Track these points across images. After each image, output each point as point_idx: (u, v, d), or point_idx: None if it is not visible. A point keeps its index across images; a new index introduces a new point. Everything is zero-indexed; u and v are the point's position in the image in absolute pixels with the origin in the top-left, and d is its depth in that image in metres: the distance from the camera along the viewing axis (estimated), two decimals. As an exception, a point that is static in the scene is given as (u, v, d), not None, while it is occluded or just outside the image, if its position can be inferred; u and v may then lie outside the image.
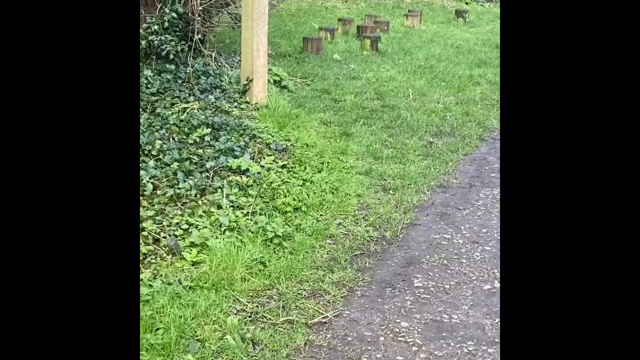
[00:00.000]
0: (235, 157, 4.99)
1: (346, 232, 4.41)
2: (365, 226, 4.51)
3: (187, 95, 6.40)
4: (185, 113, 5.84)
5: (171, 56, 7.02)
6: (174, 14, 7.06)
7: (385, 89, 7.81)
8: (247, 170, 4.82)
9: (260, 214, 4.31)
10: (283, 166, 5.18)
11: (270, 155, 5.29)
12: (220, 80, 6.91)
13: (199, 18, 7.30)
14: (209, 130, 5.45)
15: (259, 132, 5.70)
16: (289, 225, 4.33)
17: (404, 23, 13.11)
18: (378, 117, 6.82)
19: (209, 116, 5.77)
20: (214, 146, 5.23)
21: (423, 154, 5.98)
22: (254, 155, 5.16)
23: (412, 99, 7.57)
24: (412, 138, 6.32)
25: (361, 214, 4.70)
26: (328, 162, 5.39)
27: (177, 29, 7.21)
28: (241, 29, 6.70)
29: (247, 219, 4.24)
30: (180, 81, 6.79)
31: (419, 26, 13.11)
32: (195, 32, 7.26)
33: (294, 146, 5.63)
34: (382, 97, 7.57)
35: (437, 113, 7.15)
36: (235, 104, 6.45)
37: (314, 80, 8.01)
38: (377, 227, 4.52)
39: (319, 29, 10.67)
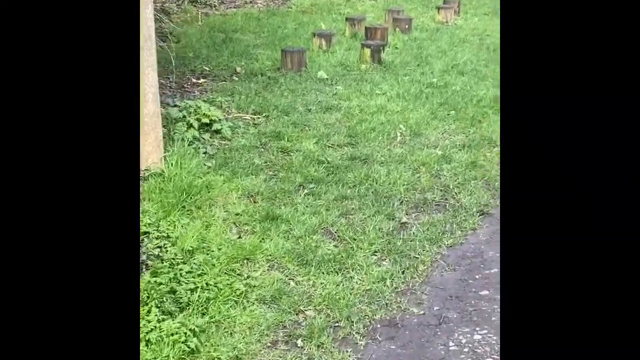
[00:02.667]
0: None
1: None
2: None
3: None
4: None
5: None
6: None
7: (364, 128, 5.77)
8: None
9: None
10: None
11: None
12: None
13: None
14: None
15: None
16: None
17: (435, 18, 10.96)
18: (337, 179, 4.81)
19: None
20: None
21: (383, 249, 3.98)
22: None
23: (398, 143, 5.52)
24: (377, 216, 4.32)
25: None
26: (212, 284, 3.43)
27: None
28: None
29: None
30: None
31: (453, 20, 10.95)
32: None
33: (166, 251, 3.69)
34: (355, 141, 5.55)
35: (428, 167, 5.09)
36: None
37: (271, 115, 6.03)
38: None
39: (313, 35, 8.64)
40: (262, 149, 5.26)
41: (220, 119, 5.50)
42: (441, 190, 4.78)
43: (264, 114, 6.00)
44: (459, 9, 11.68)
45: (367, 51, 7.83)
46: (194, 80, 7.18)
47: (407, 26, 9.90)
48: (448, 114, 6.23)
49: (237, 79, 7.28)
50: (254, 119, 5.87)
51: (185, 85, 6.99)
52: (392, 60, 8.04)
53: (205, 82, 7.15)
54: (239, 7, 12.18)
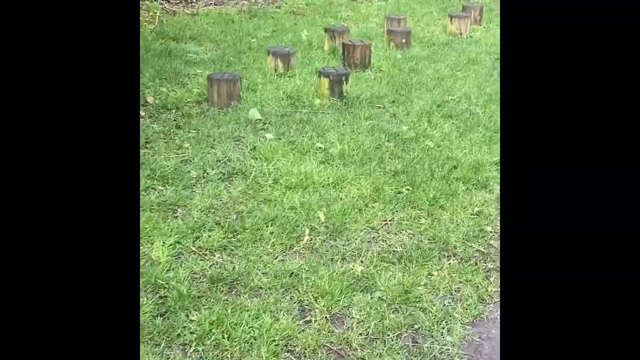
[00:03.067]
0: None
1: None
2: None
3: None
4: None
5: None
6: None
7: (260, 216, 3.91)
8: None
9: None
10: None
11: None
12: None
13: None
14: None
15: None
16: None
17: (447, 28, 9.03)
18: (164, 329, 3.00)
19: None
20: None
21: None
22: None
23: (300, 249, 3.68)
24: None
25: None
26: None
27: None
28: None
29: None
30: None
31: (469, 32, 9.00)
32: None
33: None
34: (236, 242, 3.71)
35: (327, 303, 3.29)
36: None
37: (140, 185, 4.23)
38: None
39: (267, 53, 6.79)
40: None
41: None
42: (335, 353, 2.94)
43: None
44: (481, 17, 9.71)
45: (325, 81, 5.96)
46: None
47: (404, 40, 8.00)
48: (399, 193, 4.35)
49: (143, 113, 5.50)
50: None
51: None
52: (360, 92, 6.15)
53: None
54: (220, 4, 10.41)
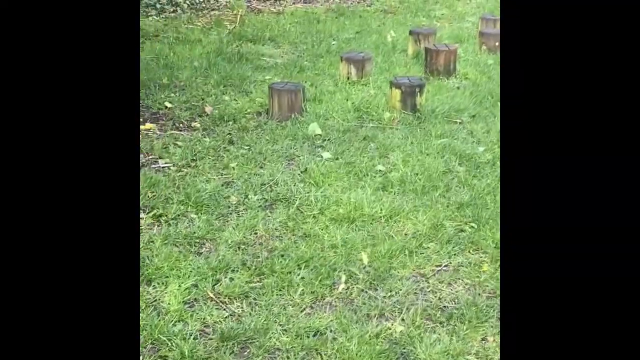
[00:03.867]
0: None
1: None
2: None
3: None
4: None
5: None
6: None
7: (293, 258, 3.45)
8: None
9: None
10: None
11: None
12: None
13: None
14: None
15: None
16: None
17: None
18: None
19: None
20: None
21: None
22: None
23: (334, 300, 3.21)
24: None
25: None
26: None
27: None
28: None
29: None
30: None
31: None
32: None
33: None
34: (260, 290, 3.24)
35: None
36: None
37: (170, 215, 3.83)
38: None
39: (340, 60, 6.32)
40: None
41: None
42: None
43: (153, 212, 3.83)
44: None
45: (397, 93, 5.43)
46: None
47: (497, 44, 7.33)
48: (461, 231, 3.80)
49: (198, 125, 5.15)
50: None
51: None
52: (437, 105, 5.59)
53: (151, 128, 5.07)
54: (309, 2, 10.00)
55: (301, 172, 4.40)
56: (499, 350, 2.91)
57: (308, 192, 4.11)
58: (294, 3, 9.88)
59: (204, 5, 9.10)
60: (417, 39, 7.21)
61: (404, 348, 2.92)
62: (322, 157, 4.63)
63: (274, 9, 9.50)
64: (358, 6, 9.92)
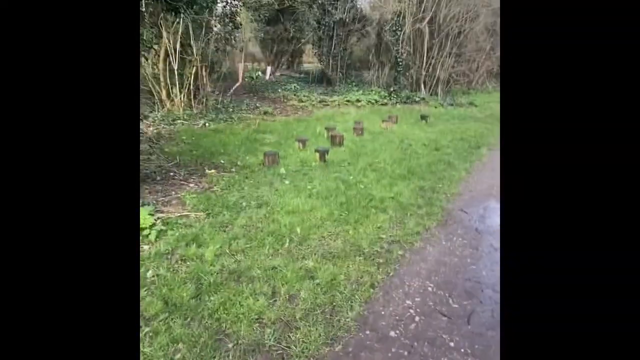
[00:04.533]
0: None
1: None
2: None
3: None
4: None
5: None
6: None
7: (268, 231, 3.04)
8: None
9: None
10: None
11: None
12: None
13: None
14: None
15: None
16: None
17: (381, 125, 7.98)
18: (194, 307, 2.15)
19: None
20: None
21: None
22: None
23: (283, 251, 2.77)
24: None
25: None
26: None
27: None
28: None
29: None
30: None
31: (392, 127, 7.93)
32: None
33: None
34: (249, 248, 2.82)
35: (290, 286, 2.36)
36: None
37: (213, 213, 3.37)
38: None
39: (295, 140, 5.90)
40: (165, 259, 2.63)
41: (151, 225, 2.91)
42: (285, 324, 2.06)
43: (207, 211, 3.37)
44: (397, 120, 8.63)
45: (317, 154, 5.05)
46: (206, 170, 4.61)
47: (360, 132, 6.99)
48: (341, 215, 3.43)
49: (234, 170, 4.67)
50: (197, 217, 3.25)
51: (192, 174, 4.41)
52: (334, 158, 5.21)
53: (213, 172, 4.55)
54: (288, 115, 9.50)
55: (275, 190, 3.98)
56: (354, 273, 2.54)
57: (277, 200, 3.69)
58: (279, 113, 9.35)
59: (245, 116, 8.45)
60: (329, 129, 6.82)
61: (313, 273, 2.54)
62: (282, 183, 4.21)
63: (271, 119, 8.98)
64: (307, 117, 9.47)
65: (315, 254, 2.74)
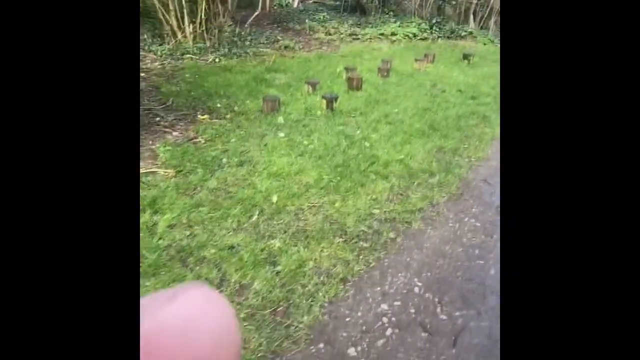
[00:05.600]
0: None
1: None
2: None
3: None
4: None
5: None
6: None
7: (238, 198, 2.60)
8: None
9: None
10: None
11: None
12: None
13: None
14: None
15: None
16: None
17: (413, 65, 6.90)
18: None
19: None
20: None
21: None
22: None
23: (247, 225, 2.36)
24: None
25: None
26: None
27: None
28: None
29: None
30: None
31: (424, 68, 6.83)
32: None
33: None
34: (210, 219, 2.41)
35: (243, 275, 1.98)
36: None
37: (185, 170, 2.95)
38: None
39: (305, 83, 5.16)
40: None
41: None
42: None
43: (179, 168, 2.96)
44: (434, 59, 7.42)
45: (324, 101, 4.36)
46: (198, 116, 4.15)
47: (385, 73, 6.05)
48: (331, 182, 2.88)
49: (228, 116, 4.17)
50: (166, 174, 2.86)
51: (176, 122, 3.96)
52: (346, 106, 4.50)
53: (205, 118, 4.10)
54: (311, 51, 8.51)
55: (264, 145, 3.47)
56: (327, 260, 2.09)
57: (262, 157, 3.20)
58: (302, 48, 8.40)
59: (262, 51, 7.66)
60: (347, 70, 5.95)
61: (274, 259, 2.12)
62: (279, 135, 3.67)
63: (290, 55, 8.09)
64: (332, 53, 8.44)
65: (285, 232, 2.30)
